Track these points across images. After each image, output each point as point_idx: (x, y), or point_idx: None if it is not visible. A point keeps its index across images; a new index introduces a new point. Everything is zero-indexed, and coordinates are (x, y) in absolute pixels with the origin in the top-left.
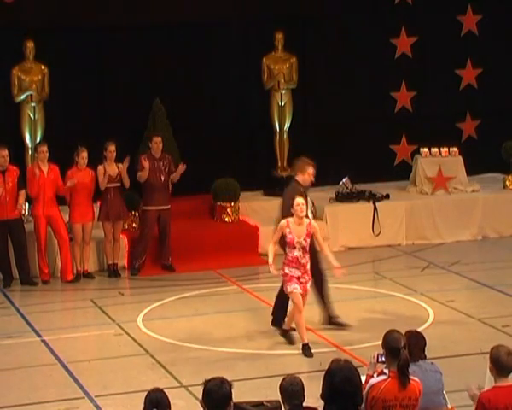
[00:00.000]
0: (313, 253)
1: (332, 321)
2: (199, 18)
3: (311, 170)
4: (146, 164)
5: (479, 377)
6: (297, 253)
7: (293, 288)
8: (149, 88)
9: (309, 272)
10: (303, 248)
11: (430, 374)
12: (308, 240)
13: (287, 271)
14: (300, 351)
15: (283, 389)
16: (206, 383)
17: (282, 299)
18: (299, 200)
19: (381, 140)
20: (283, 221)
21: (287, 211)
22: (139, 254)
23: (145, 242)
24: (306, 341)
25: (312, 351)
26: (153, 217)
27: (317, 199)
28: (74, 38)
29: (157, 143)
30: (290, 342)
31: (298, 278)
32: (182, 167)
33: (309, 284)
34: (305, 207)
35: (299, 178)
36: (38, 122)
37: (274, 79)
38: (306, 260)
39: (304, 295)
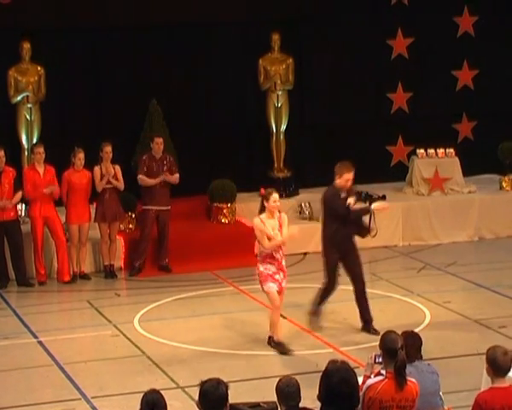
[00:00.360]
0: (358, 263)
1: (365, 328)
2: (195, 19)
3: (346, 175)
4: (162, 178)
5: (476, 378)
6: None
7: (269, 287)
8: (146, 89)
9: (284, 269)
10: None
11: (427, 375)
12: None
13: (261, 269)
14: (289, 352)
15: (279, 390)
16: (203, 384)
17: (322, 293)
18: (276, 196)
19: (377, 141)
20: (257, 220)
21: (328, 214)
22: (140, 254)
23: (146, 242)
24: (280, 339)
25: (291, 348)
26: (152, 217)
27: (313, 200)
28: (71, 39)
29: (158, 144)
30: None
31: (273, 275)
32: (175, 176)
33: (285, 282)
34: (279, 204)
35: (337, 181)
36: (35, 123)
37: (270, 80)
38: (281, 256)
39: (280, 292)
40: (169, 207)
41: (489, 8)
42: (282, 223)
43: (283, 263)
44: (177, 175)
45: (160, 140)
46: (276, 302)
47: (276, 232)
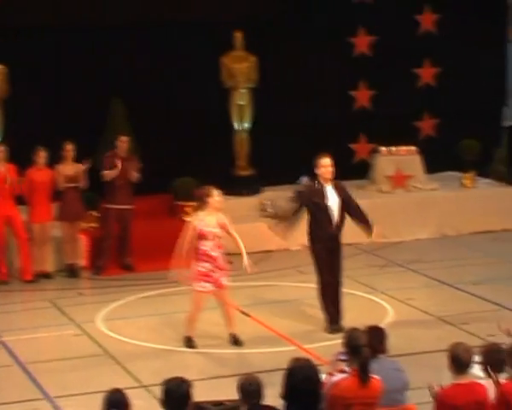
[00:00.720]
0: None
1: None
2: (158, 18)
3: (321, 162)
4: (119, 164)
5: (438, 375)
6: (208, 245)
7: (199, 286)
8: (108, 88)
9: (223, 267)
10: (215, 238)
11: (391, 372)
12: (220, 230)
13: (197, 267)
14: (233, 345)
15: (241, 388)
16: (166, 382)
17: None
18: (217, 192)
19: (339, 139)
20: (194, 218)
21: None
22: (103, 253)
23: (108, 240)
24: (190, 335)
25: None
26: (114, 216)
27: (276, 198)
28: (33, 38)
29: (124, 143)
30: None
31: (207, 273)
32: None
33: (225, 280)
34: (222, 199)
35: (317, 173)
36: None
37: (233, 78)
38: (218, 254)
39: (219, 288)
40: (131, 207)
41: (450, 7)
42: (224, 223)
43: (221, 262)
44: (134, 174)
45: (125, 139)
46: (198, 305)
47: (214, 230)
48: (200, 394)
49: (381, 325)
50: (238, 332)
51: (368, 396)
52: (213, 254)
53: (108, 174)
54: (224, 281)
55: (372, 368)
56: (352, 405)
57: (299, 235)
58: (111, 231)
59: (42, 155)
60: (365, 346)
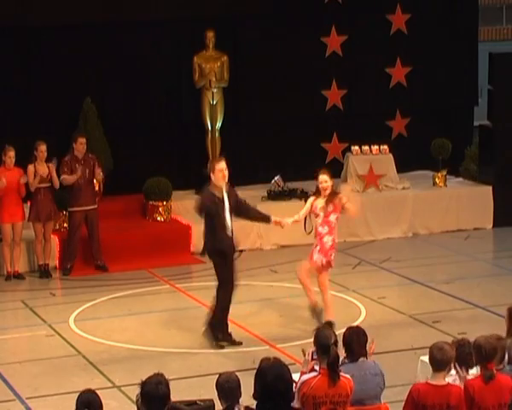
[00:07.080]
0: None
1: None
2: (130, 17)
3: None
4: (79, 170)
5: (410, 373)
6: None
7: None
8: (80, 87)
9: None
10: None
11: (369, 378)
12: None
13: None
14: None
15: (219, 386)
16: (143, 385)
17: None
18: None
19: (312, 138)
20: None
21: None
22: (70, 256)
23: (74, 243)
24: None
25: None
26: (79, 218)
27: (249, 197)
28: (2, 37)
29: (82, 144)
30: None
31: None
32: (98, 171)
33: None
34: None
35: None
36: None
37: (205, 77)
38: None
39: None
40: (96, 206)
41: (421, 7)
42: None
43: None
44: (99, 170)
45: (83, 140)
46: None
47: None
48: (173, 394)
49: (354, 324)
50: None
51: (338, 395)
52: None
53: (67, 179)
54: None
55: (351, 373)
56: (322, 403)
57: (272, 234)
58: (76, 233)
59: (10, 155)
60: (335, 345)
